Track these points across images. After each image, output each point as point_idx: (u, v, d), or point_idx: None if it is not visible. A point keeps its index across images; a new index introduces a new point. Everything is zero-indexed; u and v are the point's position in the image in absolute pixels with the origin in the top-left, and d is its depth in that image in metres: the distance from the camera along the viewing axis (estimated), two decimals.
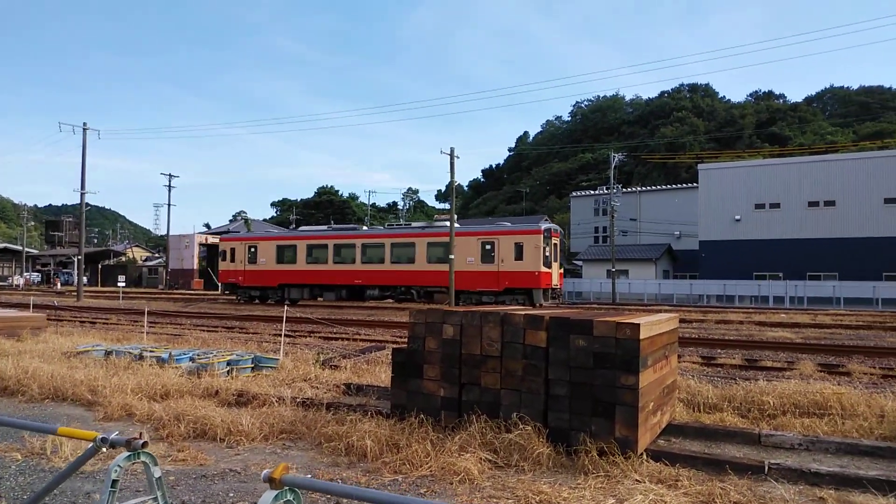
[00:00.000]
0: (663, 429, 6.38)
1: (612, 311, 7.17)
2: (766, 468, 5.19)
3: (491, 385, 5.88)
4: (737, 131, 77.37)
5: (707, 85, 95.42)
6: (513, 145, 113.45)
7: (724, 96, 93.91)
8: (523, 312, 5.92)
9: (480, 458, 5.25)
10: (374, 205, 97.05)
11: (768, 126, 77.04)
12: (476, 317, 6.00)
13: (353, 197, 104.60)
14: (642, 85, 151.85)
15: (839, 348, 14.40)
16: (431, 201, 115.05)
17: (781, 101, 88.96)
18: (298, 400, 7.27)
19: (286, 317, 13.35)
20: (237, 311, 26.33)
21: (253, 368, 9.33)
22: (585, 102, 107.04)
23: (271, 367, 9.31)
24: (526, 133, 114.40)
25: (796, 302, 38.68)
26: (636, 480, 4.88)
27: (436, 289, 28.51)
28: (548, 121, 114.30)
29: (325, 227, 34.99)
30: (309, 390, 8.06)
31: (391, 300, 30.65)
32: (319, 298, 32.32)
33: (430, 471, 5.10)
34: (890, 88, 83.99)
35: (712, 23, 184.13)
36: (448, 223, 28.88)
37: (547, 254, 26.88)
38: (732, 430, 6.38)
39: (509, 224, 30.47)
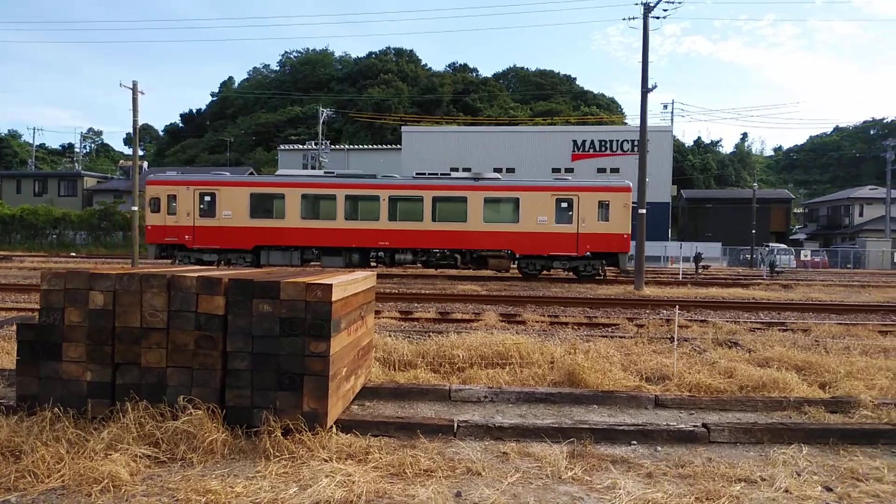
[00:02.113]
0: (358, 392, 6.03)
1: (304, 272, 6.53)
2: (456, 426, 5.12)
3: (154, 363, 4.83)
4: (437, 98, 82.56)
5: (412, 51, 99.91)
6: (216, 90, 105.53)
7: (427, 64, 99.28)
8: (196, 274, 4.95)
9: (135, 456, 4.23)
10: (42, 145, 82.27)
11: (463, 97, 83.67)
12: (134, 281, 4.84)
13: (13, 134, 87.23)
14: (350, 37, 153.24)
15: (516, 299, 16.00)
16: (119, 145, 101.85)
17: (475, 74, 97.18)
18: None
19: None
20: None
21: None
22: (295, 54, 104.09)
23: None
24: (231, 78, 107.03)
25: None
26: (324, 459, 4.37)
27: (492, 253, 23.91)
28: (255, 68, 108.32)
29: (321, 173, 26.26)
30: None
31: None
32: (313, 264, 24.74)
33: (62, 481, 3.93)
34: (559, 73, 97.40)
35: None
36: (519, 178, 23.98)
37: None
38: (425, 388, 6.30)
39: (586, 180, 25.81)
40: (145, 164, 66.47)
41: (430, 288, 19.86)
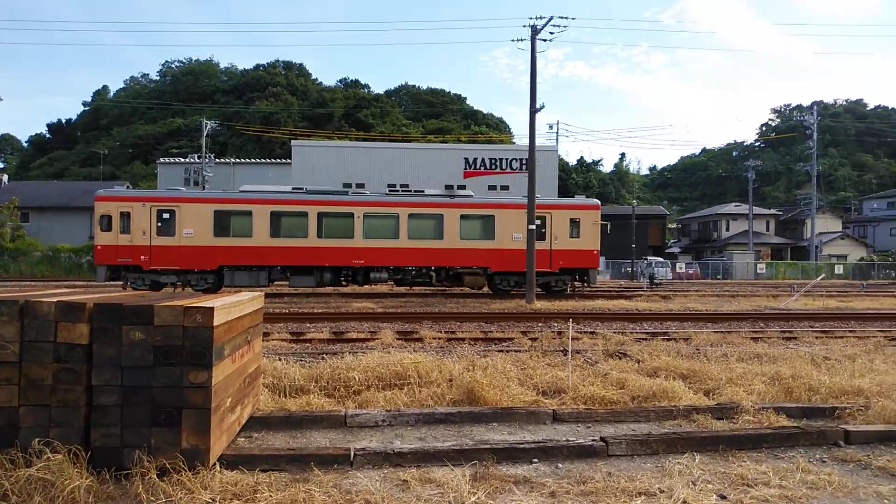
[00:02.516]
0: (245, 423, 5.59)
1: (183, 295, 6.02)
2: (353, 455, 4.83)
3: (4, 402, 4.21)
4: (328, 112, 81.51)
5: (301, 65, 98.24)
6: (89, 99, 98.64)
7: (317, 78, 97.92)
8: (54, 299, 4.38)
9: None
10: None
11: (356, 112, 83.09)
12: None
13: None
14: (237, 48, 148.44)
15: (413, 315, 15.82)
16: None
17: (366, 90, 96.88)
18: None
19: None
20: None
21: None
22: (177, 63, 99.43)
23: None
24: (106, 87, 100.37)
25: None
26: (206, 501, 3.94)
27: (468, 270, 23.99)
28: (132, 77, 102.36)
29: (289, 189, 24.80)
30: None
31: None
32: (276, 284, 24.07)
33: None
34: (449, 92, 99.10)
35: (308, 8, 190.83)
36: (495, 196, 23.28)
37: (608, 232, 24.57)
38: (319, 415, 5.95)
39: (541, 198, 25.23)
40: (5, 177, 60.77)
41: (324, 306, 19.31)
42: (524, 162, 44.50)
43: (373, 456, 4.85)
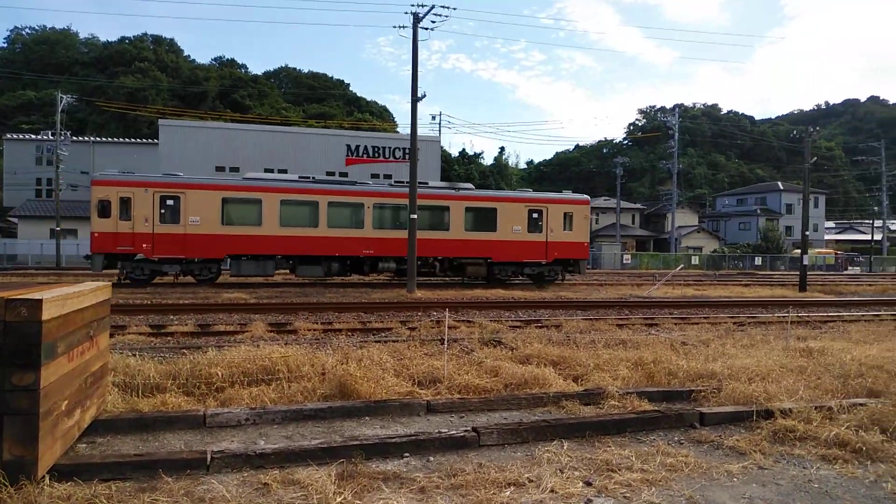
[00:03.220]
0: (87, 428, 5.03)
1: (7, 286, 5.33)
2: (209, 459, 4.45)
3: None
4: (201, 92, 77.16)
5: (172, 40, 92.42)
6: None
7: (190, 55, 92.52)
8: None
9: None
10: None
11: (231, 93, 79.25)
12: None
13: None
14: (98, 17, 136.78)
15: (288, 306, 15.25)
16: None
17: (243, 70, 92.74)
18: None
19: None
20: None
21: None
22: (28, 30, 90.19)
23: None
24: None
25: None
26: None
27: (471, 260, 24.74)
28: None
29: (296, 177, 24.30)
30: None
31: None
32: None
33: None
34: (332, 77, 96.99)
35: None
36: (495, 190, 21.28)
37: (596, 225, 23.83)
38: (175, 415, 5.48)
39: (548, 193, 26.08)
40: None
41: (191, 297, 18.21)
42: (407, 151, 44.38)
43: (232, 458, 4.50)
